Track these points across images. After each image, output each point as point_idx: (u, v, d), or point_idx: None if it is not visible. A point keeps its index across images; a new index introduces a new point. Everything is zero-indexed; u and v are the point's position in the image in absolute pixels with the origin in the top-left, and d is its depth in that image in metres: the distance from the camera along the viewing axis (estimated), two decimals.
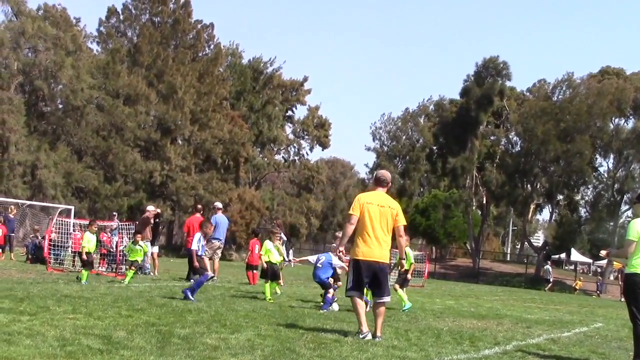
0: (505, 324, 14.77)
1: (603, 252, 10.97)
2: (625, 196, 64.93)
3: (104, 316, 10.57)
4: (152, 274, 23.10)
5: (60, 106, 55.50)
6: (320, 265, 15.30)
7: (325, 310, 14.30)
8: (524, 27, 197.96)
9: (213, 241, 21.28)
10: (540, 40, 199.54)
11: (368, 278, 10.22)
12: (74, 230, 25.43)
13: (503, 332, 13.08)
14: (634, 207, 10.33)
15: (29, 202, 42.92)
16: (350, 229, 10.22)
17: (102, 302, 12.71)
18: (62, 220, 26.40)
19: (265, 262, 16.93)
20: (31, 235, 31.85)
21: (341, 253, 10.96)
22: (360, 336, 9.94)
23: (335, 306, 14.71)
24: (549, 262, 59.86)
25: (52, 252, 23.59)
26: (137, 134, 56.86)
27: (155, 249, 24.76)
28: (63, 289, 15.16)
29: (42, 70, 51.64)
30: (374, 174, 10.92)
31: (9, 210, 32.96)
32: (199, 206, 25.35)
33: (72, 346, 7.66)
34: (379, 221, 10.17)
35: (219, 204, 23.64)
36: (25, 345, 7.51)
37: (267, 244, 17.24)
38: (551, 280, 53.37)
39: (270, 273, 16.70)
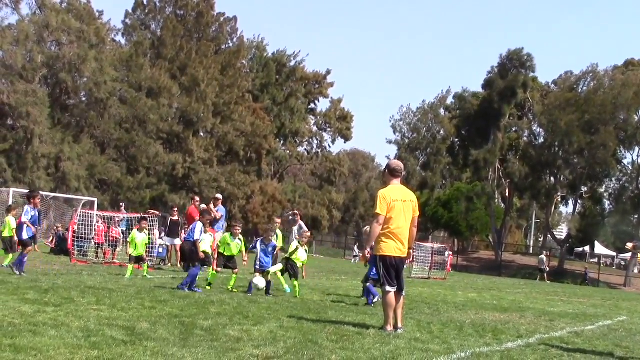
0: (528, 317, 14.71)
1: (629, 245, 10.90)
2: None
3: (127, 307, 10.64)
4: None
5: (84, 99, 55.80)
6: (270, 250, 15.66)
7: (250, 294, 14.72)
8: (546, 19, 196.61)
9: (220, 232, 21.55)
10: (563, 31, 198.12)
11: (395, 273, 10.27)
12: (97, 222, 25.60)
13: (526, 325, 13.02)
14: None
15: (53, 194, 43.28)
16: (378, 229, 10.11)
17: (126, 293, 12.79)
18: (85, 212, 26.59)
19: (219, 252, 16.49)
20: (54, 229, 32.16)
21: (369, 254, 10.70)
22: (385, 332, 9.94)
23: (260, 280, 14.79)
24: (544, 252, 60.34)
25: (75, 243, 23.77)
26: (160, 126, 57.10)
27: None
28: (87, 280, 15.28)
29: (66, 63, 51.91)
30: (387, 165, 10.86)
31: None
32: (196, 197, 25.45)
33: (97, 337, 7.73)
34: (404, 217, 10.19)
35: (219, 195, 23.75)
36: (50, 335, 7.58)
37: (226, 236, 16.47)
38: (545, 269, 54.29)
39: (224, 264, 16.26)
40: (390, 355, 8.02)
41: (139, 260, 18.48)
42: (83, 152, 52.52)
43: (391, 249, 10.13)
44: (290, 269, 15.56)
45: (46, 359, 6.38)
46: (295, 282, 15.43)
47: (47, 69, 52.74)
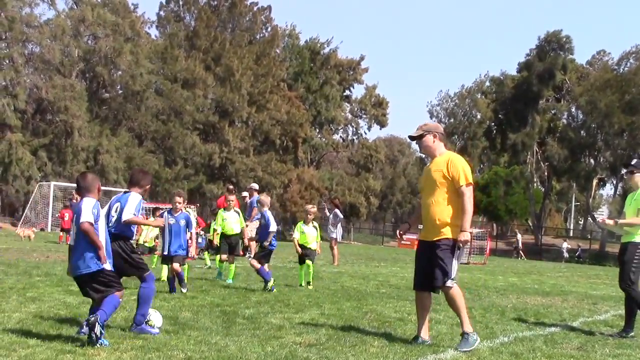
0: (571, 301, 14.56)
1: (610, 221, 10.30)
2: None
3: (169, 297, 10.75)
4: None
5: (120, 92, 56.35)
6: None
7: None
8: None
9: (255, 221, 21.73)
10: (600, 10, 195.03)
11: None
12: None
13: (568, 308, 12.89)
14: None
15: None
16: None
17: (167, 283, 12.89)
18: None
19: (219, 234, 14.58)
20: None
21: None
22: (473, 337, 7.73)
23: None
24: (517, 231, 62.63)
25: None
26: (196, 117, 57.45)
27: None
28: None
29: (102, 57, 52.45)
30: (434, 128, 8.19)
31: (73, 196, 33.78)
32: (231, 187, 25.53)
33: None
34: None
35: (255, 185, 23.74)
36: None
37: (222, 213, 14.82)
38: (519, 247, 57.79)
39: (227, 246, 14.44)
40: (433, 340, 7.99)
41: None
42: (121, 145, 53.08)
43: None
44: (305, 254, 13.92)
45: (92, 348, 6.46)
46: (310, 266, 13.94)
47: (83, 63, 53.35)
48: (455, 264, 7.65)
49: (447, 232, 7.64)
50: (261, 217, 13.38)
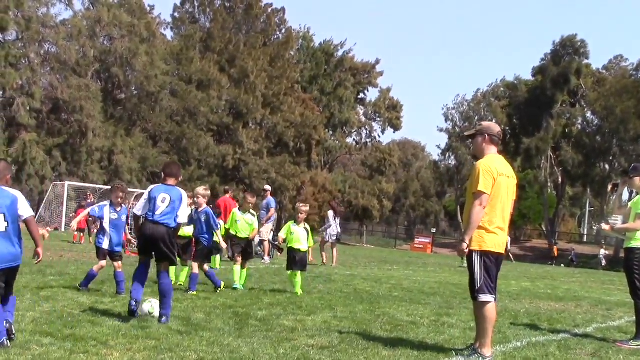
0: (584, 306, 14.50)
1: (605, 227, 10.28)
2: None
3: (182, 298, 10.77)
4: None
5: (135, 92, 56.48)
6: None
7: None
8: (597, 2, 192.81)
9: (269, 223, 21.83)
10: (616, 14, 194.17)
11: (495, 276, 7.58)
12: None
13: (582, 314, 12.84)
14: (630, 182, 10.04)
15: (106, 187, 44.03)
16: (482, 213, 7.31)
17: (180, 284, 12.92)
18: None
19: (229, 235, 13.58)
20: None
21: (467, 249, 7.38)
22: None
23: None
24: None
25: (130, 234, 24.02)
26: (210, 118, 57.53)
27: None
28: None
29: (118, 58, 52.60)
30: (484, 129, 7.88)
31: (87, 196, 33.98)
32: (227, 187, 25.87)
33: (153, 327, 7.84)
34: (510, 200, 7.63)
35: (267, 187, 23.94)
36: (108, 326, 7.72)
37: (237, 213, 13.76)
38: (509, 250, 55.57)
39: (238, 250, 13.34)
40: (446, 344, 7.97)
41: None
42: (135, 145, 53.23)
43: (495, 243, 7.43)
44: (293, 259, 12.86)
45: (105, 348, 6.49)
46: (299, 277, 12.92)
47: (99, 64, 53.52)
48: (480, 274, 7.29)
49: (473, 242, 7.34)
50: (201, 214, 12.48)
